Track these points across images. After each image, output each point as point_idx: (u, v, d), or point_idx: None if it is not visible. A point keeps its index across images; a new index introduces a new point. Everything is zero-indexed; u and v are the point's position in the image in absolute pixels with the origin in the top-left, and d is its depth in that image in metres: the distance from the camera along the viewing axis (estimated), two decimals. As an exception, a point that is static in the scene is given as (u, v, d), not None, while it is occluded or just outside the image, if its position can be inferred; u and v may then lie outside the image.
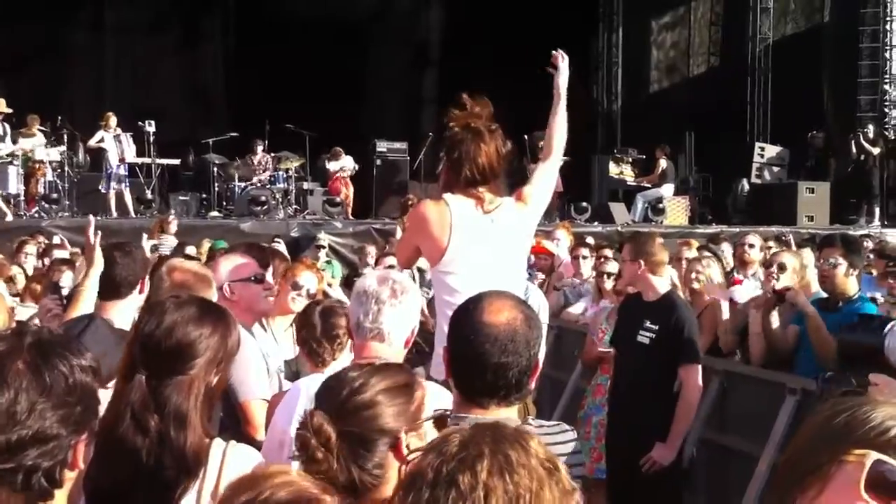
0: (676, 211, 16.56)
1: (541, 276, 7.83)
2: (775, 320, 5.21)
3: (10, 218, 12.65)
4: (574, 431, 2.44)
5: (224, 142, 16.19)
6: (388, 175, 16.27)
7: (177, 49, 19.92)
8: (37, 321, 3.83)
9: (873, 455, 1.09)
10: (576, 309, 7.43)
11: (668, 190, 16.71)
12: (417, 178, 16.24)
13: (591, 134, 20.39)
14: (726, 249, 8.91)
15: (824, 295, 5.26)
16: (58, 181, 14.57)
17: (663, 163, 16.79)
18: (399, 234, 11.04)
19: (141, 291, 3.50)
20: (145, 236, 6.37)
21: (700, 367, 4.95)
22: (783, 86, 18.41)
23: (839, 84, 18.11)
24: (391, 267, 6.80)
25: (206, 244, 10.15)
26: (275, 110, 15.91)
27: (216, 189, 15.65)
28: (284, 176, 15.57)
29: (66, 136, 14.93)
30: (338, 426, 1.80)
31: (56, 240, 9.61)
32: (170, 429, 2.10)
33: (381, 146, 16.38)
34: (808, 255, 6.46)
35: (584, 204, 16.21)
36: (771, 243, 9.32)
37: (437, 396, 2.17)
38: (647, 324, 4.93)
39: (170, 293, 2.89)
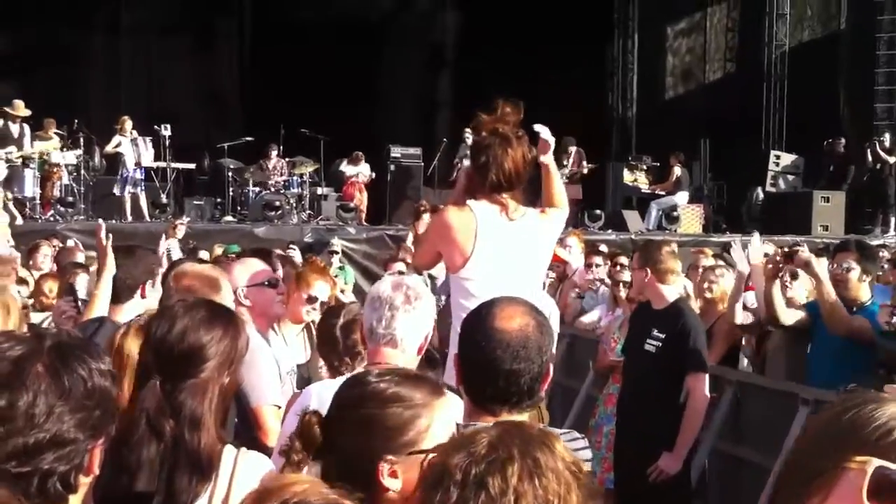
0: (690, 219, 16.50)
1: (551, 274, 7.77)
2: (777, 291, 5.15)
3: (20, 221, 12.71)
4: (585, 440, 2.42)
5: (239, 146, 16.26)
6: (401, 181, 16.27)
7: (192, 53, 20.02)
8: (48, 323, 3.86)
9: (875, 462, 1.08)
10: (590, 317, 7.42)
11: (682, 198, 16.66)
12: (431, 184, 16.24)
13: (605, 141, 20.37)
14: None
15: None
16: (73, 185, 14.63)
17: (677, 170, 16.74)
18: (411, 239, 11.05)
19: (143, 296, 3.52)
20: (164, 237, 6.36)
21: (707, 375, 4.92)
22: (799, 93, 18.32)
23: (855, 91, 18.01)
24: (401, 273, 6.80)
25: (219, 249, 10.17)
26: (289, 114, 15.96)
27: (231, 193, 15.70)
28: (299, 181, 15.61)
29: (82, 140, 15.02)
30: (332, 435, 1.78)
31: (70, 243, 9.67)
32: (184, 431, 2.11)
33: (396, 151, 16.38)
34: (824, 263, 6.41)
35: (598, 211, 16.17)
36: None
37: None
38: (655, 332, 4.92)
39: (178, 297, 2.91)
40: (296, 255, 8.65)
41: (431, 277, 7.08)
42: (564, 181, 16.74)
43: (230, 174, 15.75)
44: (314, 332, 4.24)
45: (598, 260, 7.77)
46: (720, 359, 5.88)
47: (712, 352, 5.68)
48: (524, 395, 2.19)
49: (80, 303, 3.91)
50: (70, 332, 1.75)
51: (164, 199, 15.30)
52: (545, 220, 3.84)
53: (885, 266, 8.57)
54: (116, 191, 14.71)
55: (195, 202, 15.57)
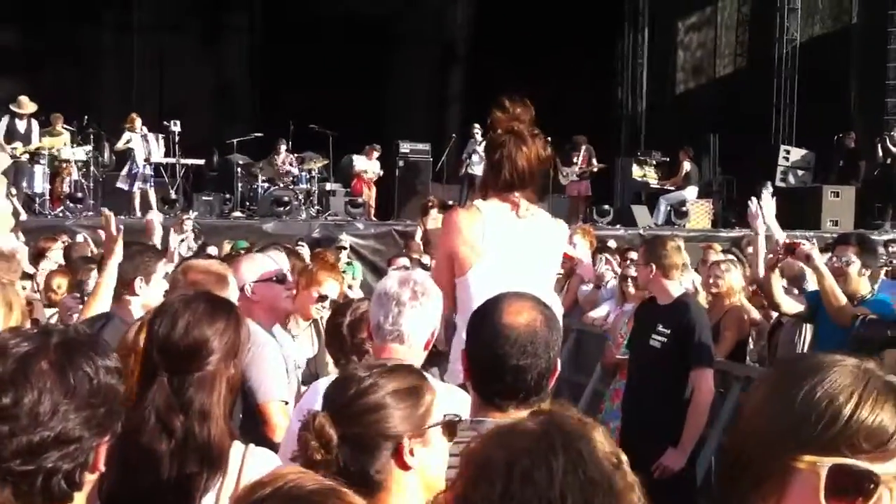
0: (699, 214, 16.45)
1: (559, 270, 7.76)
2: (777, 280, 5.12)
3: (24, 217, 12.73)
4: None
5: (248, 142, 16.27)
6: (410, 176, 16.26)
7: (202, 49, 20.05)
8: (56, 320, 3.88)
9: (826, 462, 1.04)
10: (599, 312, 7.41)
11: (691, 193, 16.61)
12: (440, 179, 16.22)
13: (614, 136, 20.33)
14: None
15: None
16: (83, 181, 14.66)
17: (687, 165, 16.69)
18: (419, 235, 11.04)
19: (132, 293, 3.53)
20: (173, 232, 6.36)
21: (711, 371, 4.90)
22: (810, 88, 18.25)
23: (866, 86, 17.92)
24: (405, 267, 6.78)
25: (227, 245, 10.18)
26: (298, 110, 15.97)
27: (240, 189, 15.72)
28: (307, 176, 15.62)
29: (92, 136, 15.05)
30: (341, 428, 1.76)
31: (79, 238, 9.68)
32: (194, 425, 2.12)
33: (405, 147, 16.37)
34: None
35: (607, 206, 16.14)
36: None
37: (446, 399, 2.13)
38: (660, 327, 4.90)
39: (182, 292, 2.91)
40: (304, 251, 8.63)
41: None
42: (574, 178, 16.69)
43: (239, 170, 15.77)
44: (322, 327, 4.25)
45: (606, 256, 7.76)
46: (730, 351, 5.87)
47: (720, 346, 5.67)
48: (532, 390, 2.19)
49: (86, 299, 3.93)
50: (78, 328, 1.74)
51: (173, 194, 15.33)
52: (554, 219, 3.86)
53: (894, 262, 8.54)
54: (122, 184, 14.73)
55: (204, 198, 15.59)
